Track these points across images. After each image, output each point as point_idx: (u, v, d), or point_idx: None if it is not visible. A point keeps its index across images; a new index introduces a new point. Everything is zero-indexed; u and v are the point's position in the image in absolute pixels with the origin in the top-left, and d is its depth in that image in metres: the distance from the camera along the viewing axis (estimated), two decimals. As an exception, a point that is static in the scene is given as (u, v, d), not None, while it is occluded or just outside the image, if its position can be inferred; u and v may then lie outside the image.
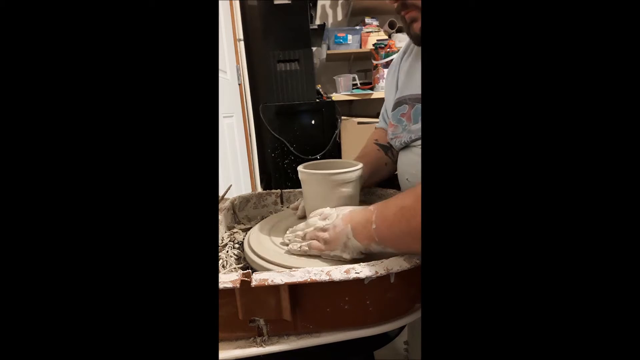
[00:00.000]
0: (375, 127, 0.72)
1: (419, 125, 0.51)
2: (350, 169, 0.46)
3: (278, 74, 1.54)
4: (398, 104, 0.58)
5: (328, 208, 0.45)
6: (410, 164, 0.55)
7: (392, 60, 1.77)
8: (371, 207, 0.40)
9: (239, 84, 1.63)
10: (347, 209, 0.44)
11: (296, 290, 0.32)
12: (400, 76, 0.60)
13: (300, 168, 0.49)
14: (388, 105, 0.64)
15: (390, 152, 0.65)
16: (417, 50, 0.57)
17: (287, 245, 0.45)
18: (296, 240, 0.45)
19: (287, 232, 0.48)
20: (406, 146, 0.56)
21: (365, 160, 0.63)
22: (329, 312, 0.33)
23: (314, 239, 0.43)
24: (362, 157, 0.68)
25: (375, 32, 1.91)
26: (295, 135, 1.58)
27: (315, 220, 0.44)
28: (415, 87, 0.54)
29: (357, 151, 0.72)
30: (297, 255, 0.43)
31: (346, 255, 0.40)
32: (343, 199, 0.47)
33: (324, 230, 0.42)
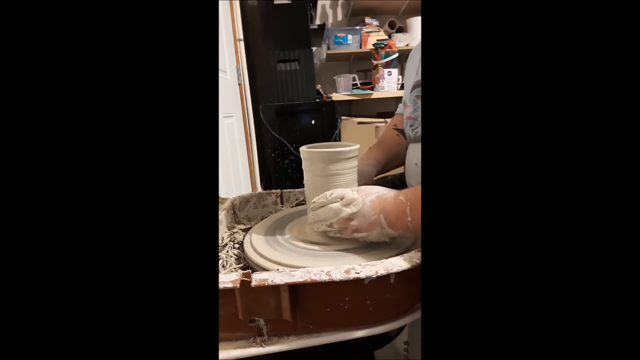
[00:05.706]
0: (396, 113, 0.69)
1: None
2: (348, 148, 0.46)
3: (278, 74, 1.54)
4: (417, 85, 0.57)
5: (348, 190, 0.42)
6: (419, 152, 0.55)
7: (392, 60, 1.78)
8: (402, 197, 0.39)
9: (239, 84, 1.63)
10: (373, 194, 0.41)
11: (296, 290, 0.32)
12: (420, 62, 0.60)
13: (302, 148, 0.49)
14: (407, 88, 0.62)
15: None
16: None
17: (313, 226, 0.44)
18: (322, 225, 0.43)
19: (310, 211, 0.45)
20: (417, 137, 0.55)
21: (384, 146, 0.61)
22: (329, 312, 0.33)
23: (343, 228, 0.41)
24: (381, 143, 0.65)
25: (375, 32, 1.91)
26: (295, 135, 1.58)
27: (338, 207, 0.41)
28: None
29: (356, 151, 0.71)
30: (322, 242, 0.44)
31: (384, 238, 0.41)
32: (340, 177, 0.46)
33: (350, 219, 0.40)
